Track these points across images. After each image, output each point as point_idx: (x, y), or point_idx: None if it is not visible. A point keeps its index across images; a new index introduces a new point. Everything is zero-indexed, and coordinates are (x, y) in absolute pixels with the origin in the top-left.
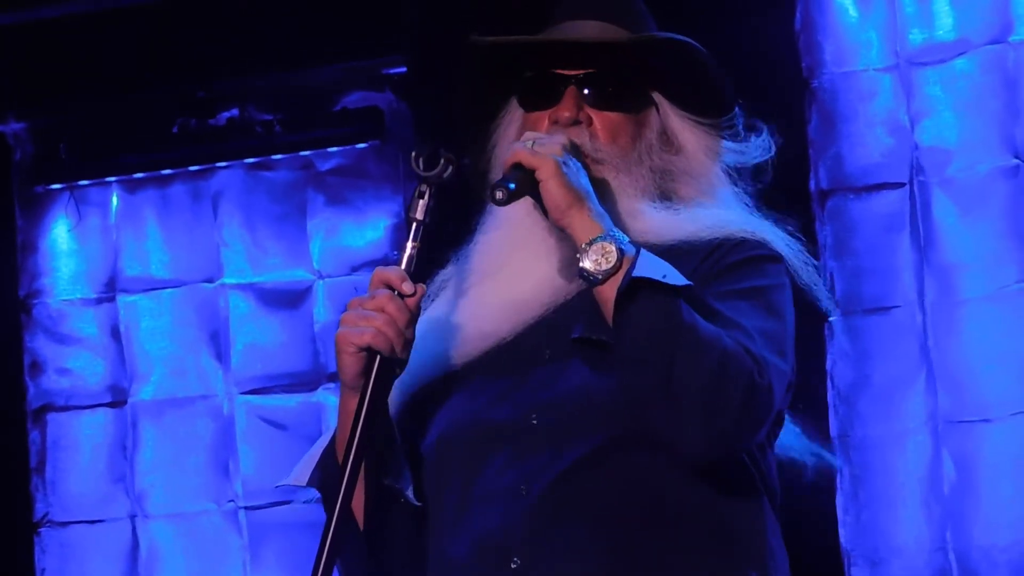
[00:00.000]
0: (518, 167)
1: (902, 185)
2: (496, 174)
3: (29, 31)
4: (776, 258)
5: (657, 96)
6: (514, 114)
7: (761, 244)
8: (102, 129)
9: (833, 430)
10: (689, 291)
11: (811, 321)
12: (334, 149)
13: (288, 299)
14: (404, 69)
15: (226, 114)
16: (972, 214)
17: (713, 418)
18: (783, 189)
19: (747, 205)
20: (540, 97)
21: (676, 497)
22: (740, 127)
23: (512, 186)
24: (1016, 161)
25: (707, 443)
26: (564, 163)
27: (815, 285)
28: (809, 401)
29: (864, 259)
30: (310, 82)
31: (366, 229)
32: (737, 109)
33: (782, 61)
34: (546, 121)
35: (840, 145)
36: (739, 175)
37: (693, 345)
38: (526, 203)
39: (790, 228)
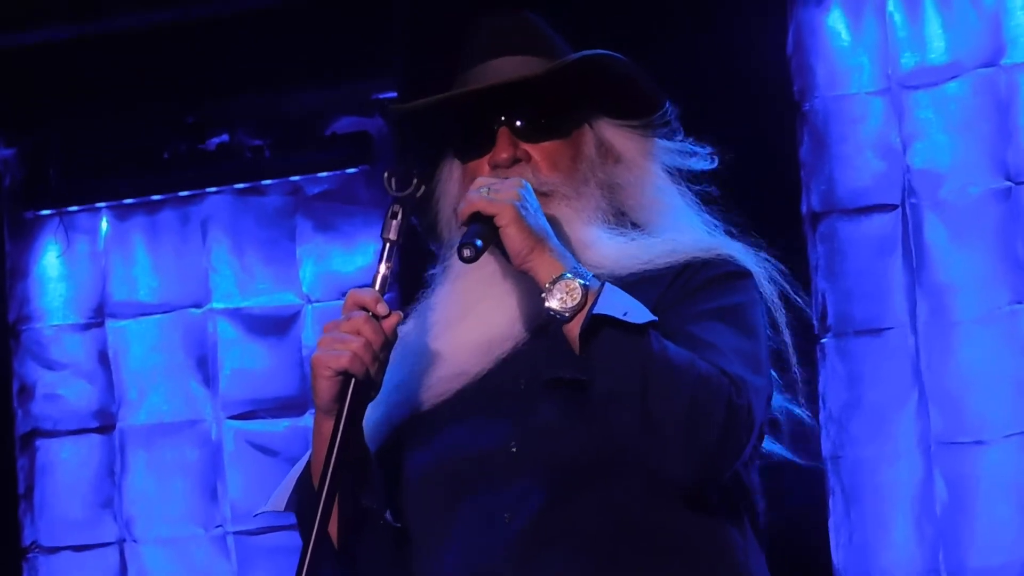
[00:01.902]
0: (477, 216)
1: (894, 207)
2: (447, 228)
3: (18, 56)
4: (745, 273)
5: (587, 111)
6: (453, 168)
7: (728, 261)
8: (91, 154)
9: (825, 451)
10: (654, 324)
11: (802, 342)
12: (323, 174)
13: (276, 324)
14: (394, 94)
15: (216, 139)
16: (964, 236)
17: (695, 445)
18: (775, 211)
19: (694, 207)
20: (474, 145)
21: (656, 521)
22: (676, 125)
23: (479, 243)
24: (1008, 184)
25: (691, 470)
26: (522, 207)
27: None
28: (801, 422)
29: (856, 281)
30: (299, 107)
31: (355, 254)
32: (668, 106)
33: (774, 84)
34: (486, 167)
35: (832, 168)
36: (682, 176)
37: (665, 375)
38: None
39: (751, 241)
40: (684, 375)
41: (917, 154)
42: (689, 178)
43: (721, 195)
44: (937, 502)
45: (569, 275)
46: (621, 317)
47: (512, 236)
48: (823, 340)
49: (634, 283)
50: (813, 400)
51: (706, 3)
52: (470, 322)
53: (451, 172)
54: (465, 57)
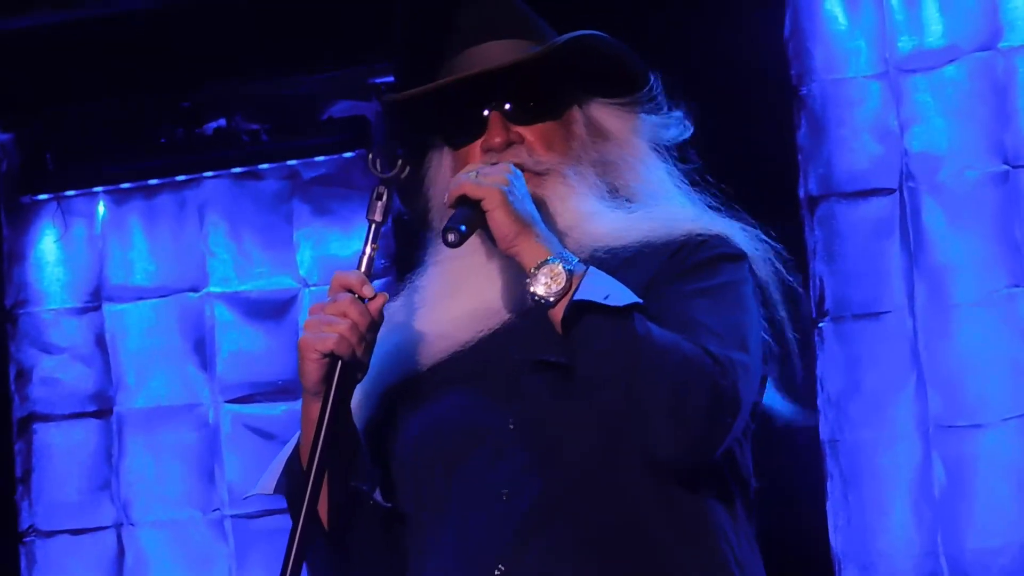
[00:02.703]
0: (464, 199)
1: (892, 191)
2: (438, 216)
3: (14, 40)
4: (738, 256)
5: (574, 91)
6: (443, 155)
7: (724, 242)
8: (88, 139)
9: (824, 435)
10: (637, 306)
11: (801, 326)
12: (321, 158)
13: (274, 308)
14: (391, 78)
15: (213, 124)
16: (962, 220)
17: (681, 426)
18: (773, 195)
19: (682, 184)
20: (466, 131)
21: (653, 501)
22: (661, 100)
23: (463, 228)
24: (1005, 167)
25: (679, 451)
26: (510, 192)
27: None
28: (799, 405)
29: (854, 265)
30: (297, 91)
31: (352, 238)
32: (653, 80)
33: (771, 68)
34: (478, 150)
35: (829, 152)
36: (669, 152)
37: (649, 357)
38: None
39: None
40: (668, 357)
41: (915, 138)
42: (685, 160)
43: (719, 179)
44: (935, 485)
45: (554, 260)
46: (602, 301)
47: (498, 220)
48: (821, 324)
49: (630, 257)
50: (811, 384)
51: None
52: (459, 297)
53: (441, 159)
54: (450, 43)
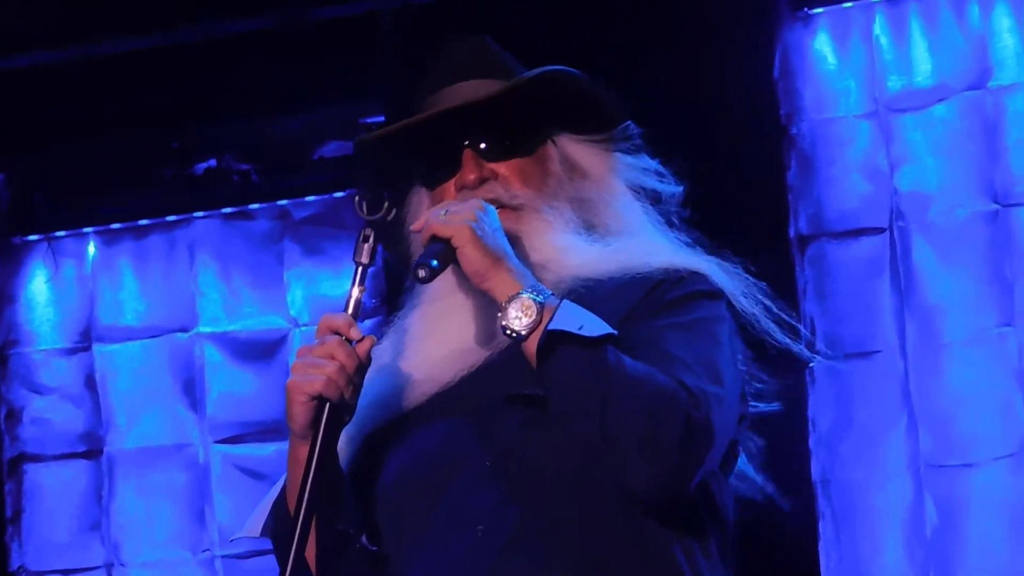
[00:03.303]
0: (435, 238)
1: (882, 230)
2: (416, 256)
3: (4, 81)
4: (715, 293)
5: (549, 128)
6: (420, 195)
7: (701, 279)
8: (78, 179)
9: (815, 474)
10: (610, 338)
11: (793, 365)
12: (311, 198)
13: (264, 348)
14: (382, 118)
15: (203, 164)
16: (952, 259)
17: (654, 459)
18: (763, 235)
19: (659, 223)
20: (440, 170)
21: (629, 536)
22: (638, 140)
23: (435, 263)
24: (995, 206)
25: (653, 482)
26: (478, 227)
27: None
28: (791, 445)
29: (845, 304)
30: (287, 131)
31: (343, 278)
32: (628, 120)
33: (761, 108)
34: (453, 189)
35: (819, 191)
36: (644, 194)
37: (622, 389)
38: (449, 271)
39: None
40: (641, 388)
41: (905, 177)
42: (675, 202)
43: (709, 218)
44: (927, 524)
45: (525, 293)
46: (576, 331)
47: (468, 256)
48: (812, 364)
49: (607, 291)
50: (803, 423)
51: (693, 27)
52: (438, 337)
53: (419, 201)
54: (426, 85)
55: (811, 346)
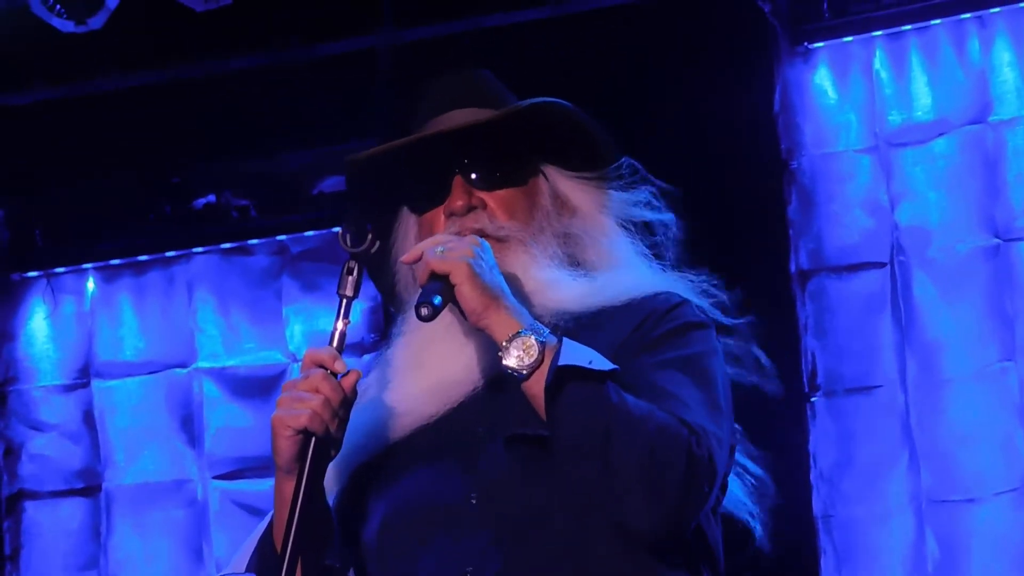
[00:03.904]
0: (434, 276)
1: (883, 265)
2: (405, 288)
3: (3, 118)
4: (704, 324)
5: (541, 162)
6: (408, 223)
7: (690, 311)
8: (78, 215)
9: (816, 510)
10: (615, 374)
11: (794, 400)
12: (310, 233)
13: (262, 383)
14: None
15: (202, 200)
16: (953, 294)
17: (657, 496)
18: (764, 270)
19: (647, 259)
20: (429, 195)
21: (618, 572)
22: (630, 177)
23: (437, 301)
24: (996, 240)
25: (655, 520)
26: (476, 263)
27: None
28: (792, 480)
29: (845, 339)
30: (285, 167)
31: None
32: (622, 157)
33: (761, 143)
34: (442, 216)
35: (820, 226)
36: (635, 228)
37: (626, 428)
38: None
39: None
40: (644, 426)
41: (905, 212)
42: (674, 237)
43: (709, 253)
44: (929, 560)
45: (525, 332)
46: (587, 366)
47: (466, 294)
48: (813, 399)
49: (593, 324)
50: (804, 459)
51: (692, 63)
52: (424, 370)
53: (407, 229)
54: (419, 113)
55: (812, 381)
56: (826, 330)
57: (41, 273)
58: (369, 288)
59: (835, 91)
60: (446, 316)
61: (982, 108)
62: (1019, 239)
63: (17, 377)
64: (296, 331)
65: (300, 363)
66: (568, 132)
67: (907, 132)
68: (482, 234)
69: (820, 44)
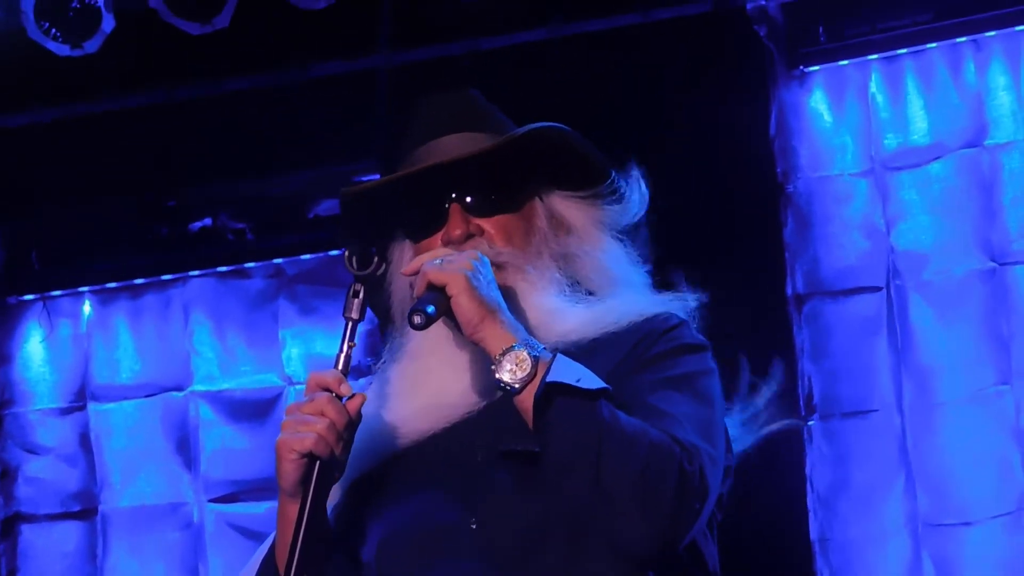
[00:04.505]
0: (431, 286)
1: (879, 289)
2: (400, 312)
3: None
4: (702, 346)
5: (536, 184)
6: (403, 250)
7: (687, 333)
8: (74, 238)
9: (813, 533)
10: (606, 392)
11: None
12: (306, 256)
13: (258, 406)
14: (376, 176)
15: (198, 222)
16: (949, 317)
17: (648, 513)
18: (760, 293)
19: (643, 273)
20: (427, 224)
21: None
22: (621, 189)
23: (431, 310)
24: (992, 264)
25: (646, 537)
26: (474, 276)
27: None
28: (789, 504)
29: (842, 363)
30: (282, 190)
31: (338, 336)
32: (613, 173)
33: (757, 166)
34: (439, 244)
35: (816, 249)
36: (629, 235)
37: (617, 444)
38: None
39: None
40: (636, 443)
41: (901, 235)
42: (671, 259)
43: (705, 276)
44: None
45: (519, 347)
46: (574, 384)
47: (462, 306)
48: (810, 422)
49: (591, 348)
50: (800, 482)
51: (689, 86)
52: (422, 389)
53: (403, 254)
54: (412, 136)
55: (808, 405)
56: (822, 353)
57: (37, 296)
58: (368, 311)
59: (831, 114)
60: (443, 332)
61: (978, 131)
62: (1015, 263)
63: (13, 400)
64: (292, 354)
65: (302, 386)
66: (563, 153)
67: (903, 155)
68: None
69: (816, 67)
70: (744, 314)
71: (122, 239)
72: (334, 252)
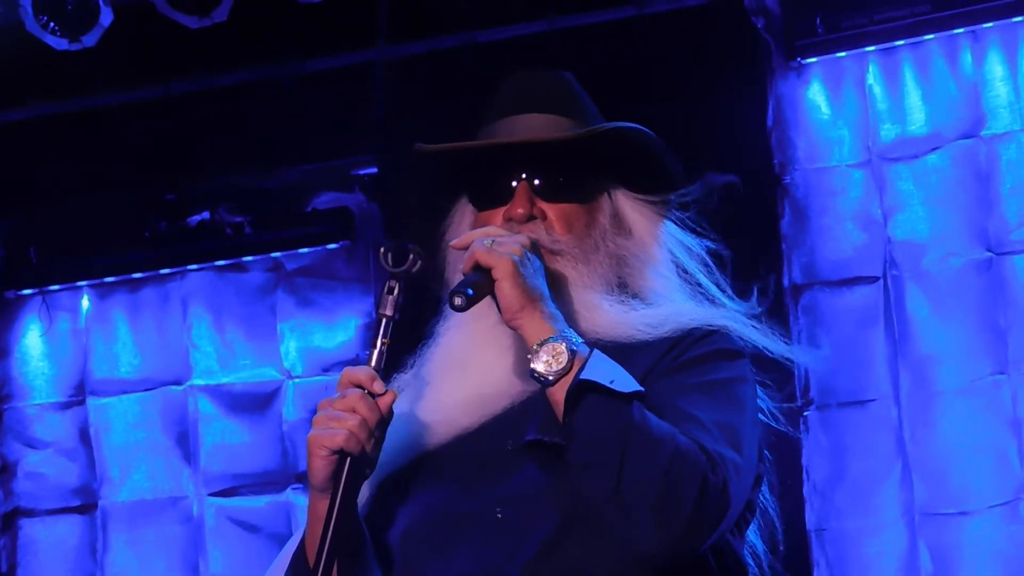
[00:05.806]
0: (476, 266)
1: (875, 279)
2: (453, 273)
3: None
4: (737, 353)
5: (606, 179)
6: (465, 213)
7: (724, 339)
8: (72, 233)
9: (810, 523)
10: (639, 395)
11: (786, 414)
12: (305, 250)
13: (257, 400)
14: (374, 170)
15: (197, 217)
16: (946, 307)
17: (665, 520)
18: (756, 285)
19: (695, 294)
20: (492, 196)
21: None
22: (689, 202)
23: (471, 292)
24: (989, 254)
25: (661, 544)
26: (521, 263)
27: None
28: (785, 494)
29: (838, 353)
30: (280, 184)
31: (336, 330)
32: (694, 190)
33: (754, 157)
34: (500, 219)
35: (813, 240)
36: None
37: (643, 447)
38: (486, 300)
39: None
40: (660, 449)
41: (898, 226)
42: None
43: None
44: (922, 573)
45: (557, 339)
46: (608, 384)
47: (505, 291)
48: (806, 413)
49: (628, 349)
50: (797, 472)
51: (686, 78)
52: (464, 378)
53: (463, 216)
54: (495, 107)
55: (805, 395)
56: (819, 344)
57: (36, 291)
58: (366, 304)
59: (828, 106)
60: (488, 320)
61: (975, 122)
62: (1012, 253)
63: (12, 395)
64: (291, 348)
65: (301, 379)
66: (640, 155)
67: (900, 146)
68: (537, 244)
69: (813, 59)
70: (740, 305)
71: (120, 233)
72: (332, 246)
